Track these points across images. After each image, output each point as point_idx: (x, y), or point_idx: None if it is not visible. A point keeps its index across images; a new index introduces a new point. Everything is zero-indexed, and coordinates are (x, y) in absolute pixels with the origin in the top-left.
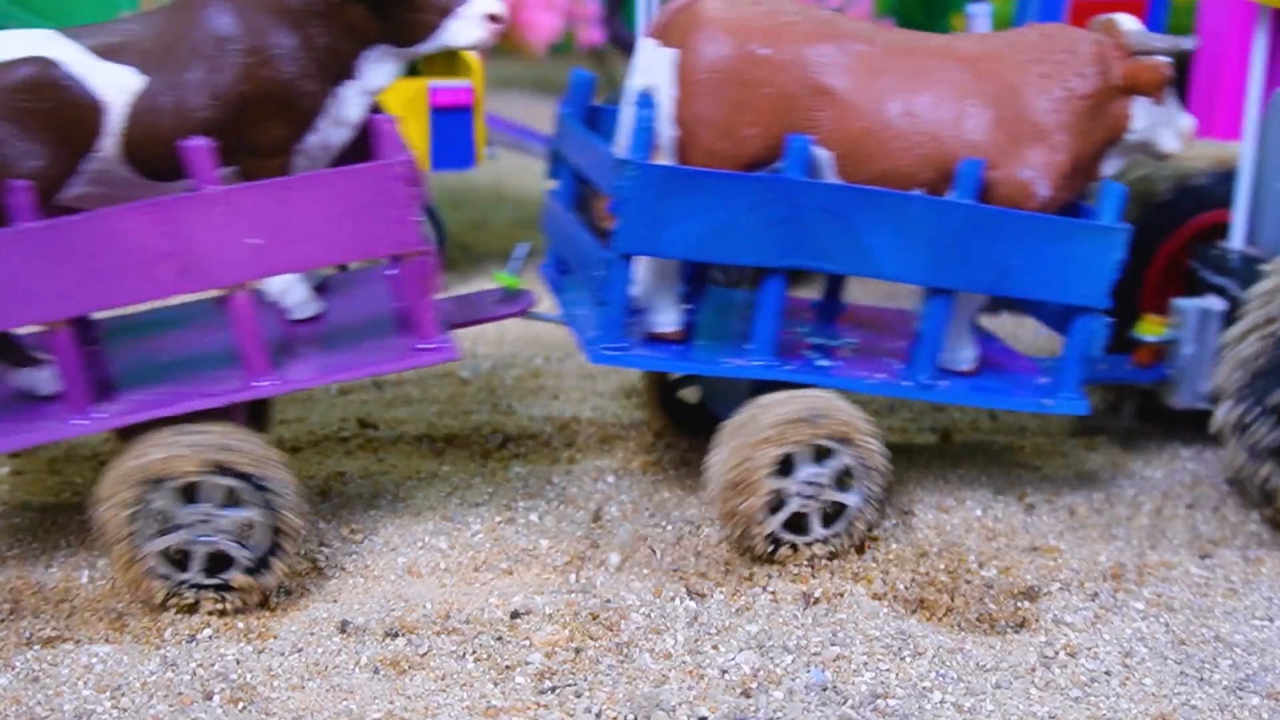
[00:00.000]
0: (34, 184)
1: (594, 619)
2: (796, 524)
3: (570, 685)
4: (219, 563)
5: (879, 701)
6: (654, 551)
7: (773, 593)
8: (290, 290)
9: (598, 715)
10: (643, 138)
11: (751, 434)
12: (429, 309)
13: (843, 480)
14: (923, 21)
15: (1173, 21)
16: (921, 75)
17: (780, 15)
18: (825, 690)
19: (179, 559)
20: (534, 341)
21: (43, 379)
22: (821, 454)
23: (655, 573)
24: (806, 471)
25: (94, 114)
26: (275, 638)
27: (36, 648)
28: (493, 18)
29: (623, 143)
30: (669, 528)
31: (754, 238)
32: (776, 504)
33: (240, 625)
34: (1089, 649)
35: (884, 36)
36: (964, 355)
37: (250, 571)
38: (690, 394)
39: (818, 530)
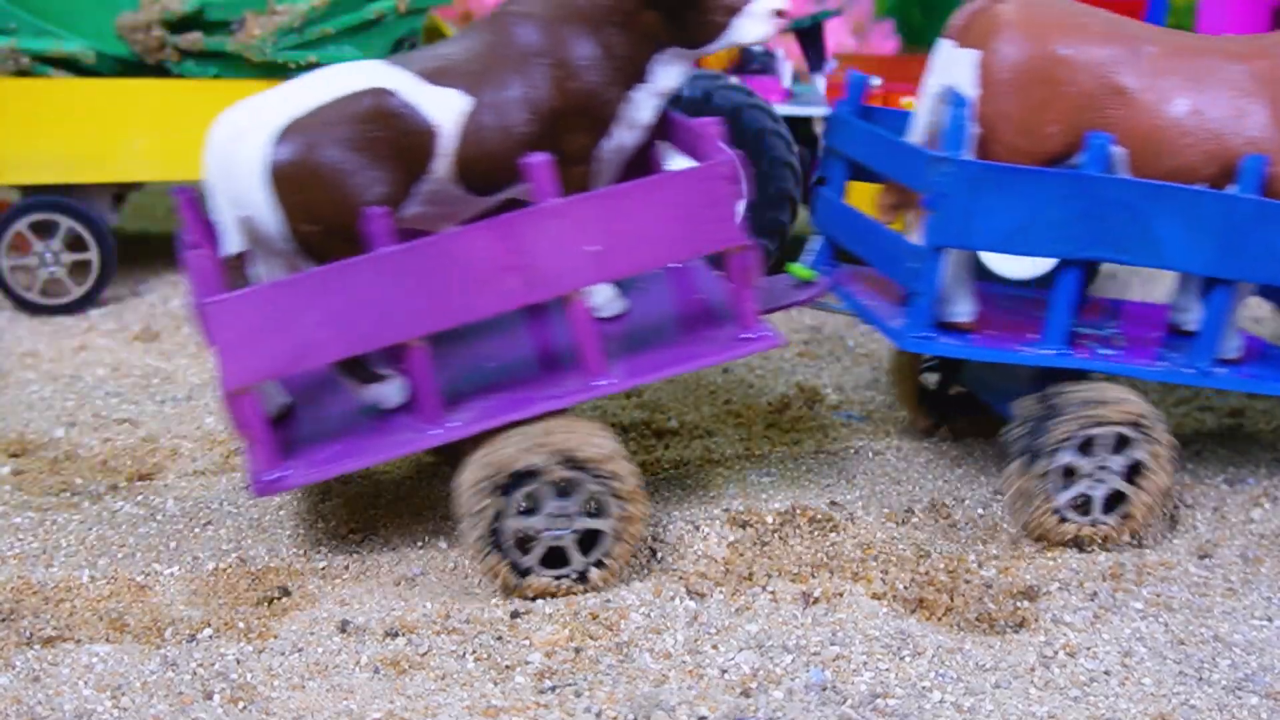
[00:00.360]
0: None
1: (594, 619)
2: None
3: (570, 685)
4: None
5: (878, 701)
6: (654, 552)
7: (772, 592)
8: (598, 289)
9: (598, 715)
10: (958, 135)
11: (1057, 415)
12: (750, 300)
13: (1131, 471)
14: (921, 22)
15: (1171, 21)
16: (1204, 75)
17: (1076, 16)
18: (825, 690)
19: (525, 544)
20: None
21: (388, 393)
22: (1120, 442)
23: (655, 573)
24: (1100, 456)
25: (428, 138)
26: (275, 637)
27: (37, 647)
28: (779, 13)
29: (919, 139)
30: (669, 528)
31: (1057, 231)
32: (1068, 481)
33: (240, 625)
34: (1088, 649)
35: (1167, 37)
36: (1232, 344)
37: (579, 578)
38: (929, 378)
39: (1098, 514)
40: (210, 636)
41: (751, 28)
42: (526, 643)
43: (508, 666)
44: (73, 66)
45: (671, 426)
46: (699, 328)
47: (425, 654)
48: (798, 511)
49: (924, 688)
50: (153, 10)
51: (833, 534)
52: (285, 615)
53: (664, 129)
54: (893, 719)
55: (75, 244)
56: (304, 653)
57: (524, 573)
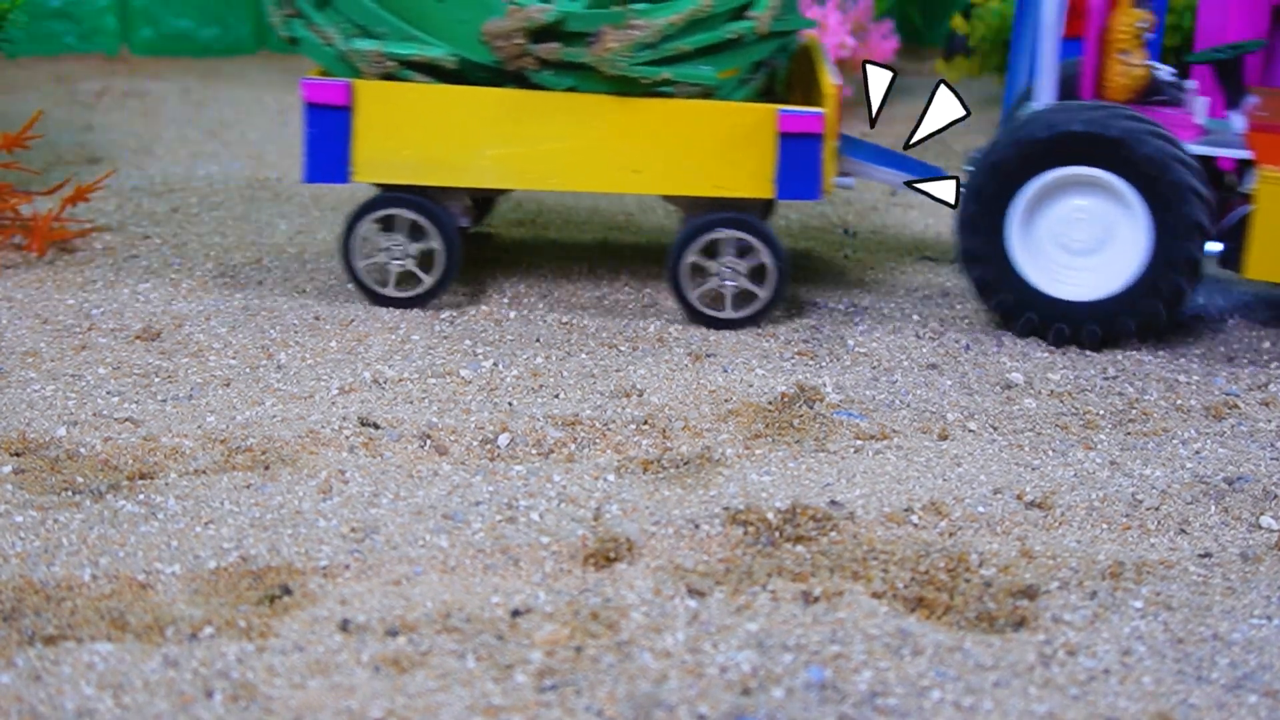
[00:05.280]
0: None
1: (594, 618)
2: None
3: (570, 684)
4: None
5: (878, 700)
6: (654, 551)
7: (772, 591)
8: None
9: (598, 714)
10: None
11: None
12: None
13: None
14: (920, 23)
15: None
16: None
17: None
18: (824, 688)
19: None
20: (533, 340)
21: None
22: None
23: (655, 572)
24: None
25: None
26: (276, 636)
27: (38, 646)
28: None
29: None
30: (669, 527)
31: None
32: None
33: (241, 624)
34: (1088, 647)
35: None
36: None
37: None
38: None
39: None
40: (211, 635)
41: None
42: (527, 642)
43: (508, 665)
44: (436, 72)
45: (672, 426)
46: None
47: (426, 653)
48: (798, 511)
49: (924, 686)
50: (517, 18)
51: (833, 533)
52: (286, 614)
53: None
54: (892, 717)
55: (417, 235)
56: (305, 651)
57: None
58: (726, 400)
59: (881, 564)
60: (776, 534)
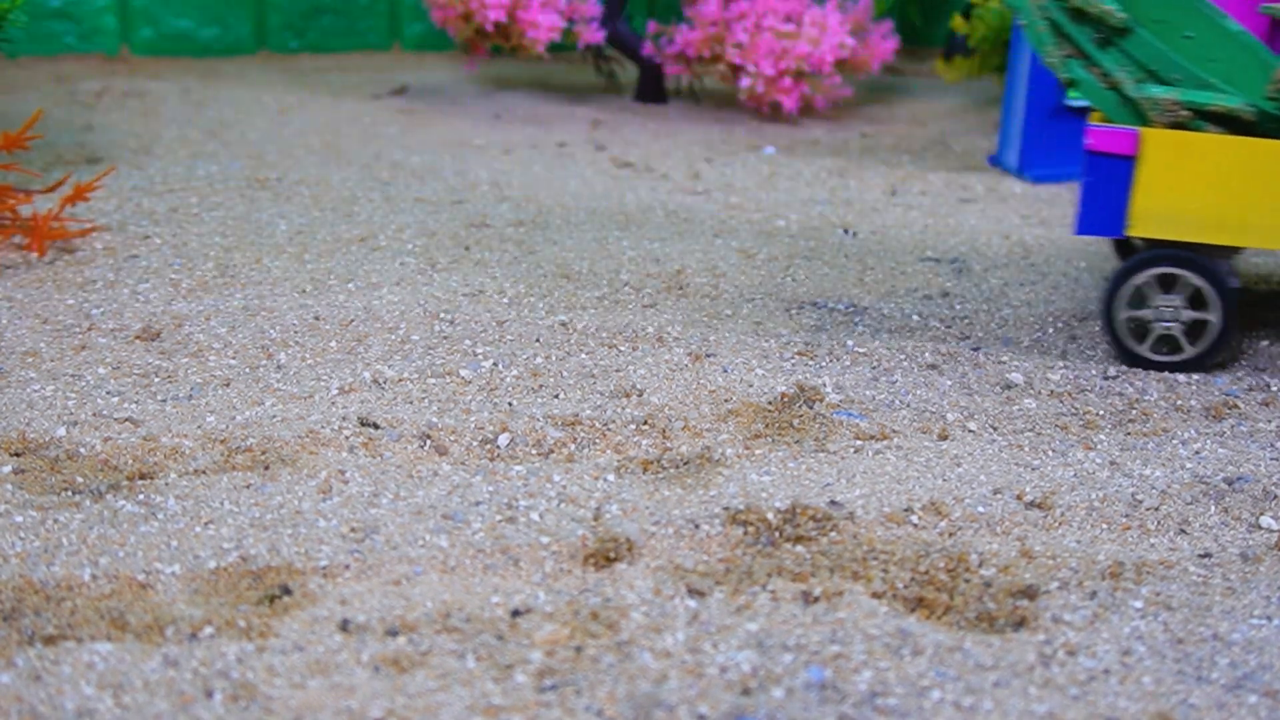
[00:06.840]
0: None
1: (594, 618)
2: None
3: (570, 684)
4: None
5: (878, 700)
6: (654, 551)
7: (772, 591)
8: None
9: (598, 713)
10: None
11: None
12: None
13: None
14: (920, 23)
15: None
16: None
17: None
18: (824, 688)
19: None
20: (533, 340)
21: None
22: None
23: (655, 572)
24: None
25: None
26: (276, 636)
27: (38, 645)
28: None
29: None
30: (669, 527)
31: None
32: None
33: (241, 624)
34: (1088, 647)
35: None
36: None
37: None
38: None
39: None
40: (211, 635)
41: None
42: (527, 642)
43: (508, 665)
44: (1225, 122)
45: (672, 426)
46: None
47: (426, 653)
48: (798, 511)
49: (924, 686)
50: None
51: (833, 533)
52: (286, 614)
53: None
54: (892, 717)
55: (1195, 303)
56: (305, 651)
57: None
58: (726, 400)
59: (881, 564)
60: (776, 534)
